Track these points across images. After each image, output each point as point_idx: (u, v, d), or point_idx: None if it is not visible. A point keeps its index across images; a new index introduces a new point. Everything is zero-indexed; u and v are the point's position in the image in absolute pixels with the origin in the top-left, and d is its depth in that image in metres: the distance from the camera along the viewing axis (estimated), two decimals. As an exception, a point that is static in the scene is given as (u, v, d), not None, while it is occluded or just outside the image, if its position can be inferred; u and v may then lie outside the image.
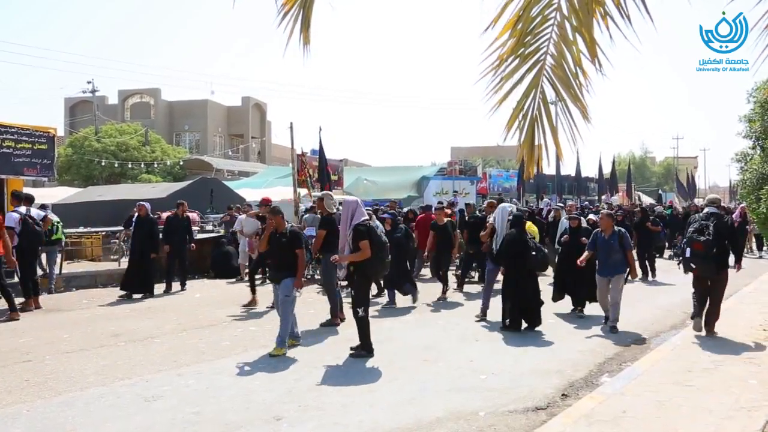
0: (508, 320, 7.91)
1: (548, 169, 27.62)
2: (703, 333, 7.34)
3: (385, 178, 27.77)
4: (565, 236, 9.39)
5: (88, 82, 41.98)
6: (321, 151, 15.89)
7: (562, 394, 5.39)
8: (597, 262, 8.10)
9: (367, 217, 6.72)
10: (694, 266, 7.18)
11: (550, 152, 2.89)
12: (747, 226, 17.99)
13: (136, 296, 10.82)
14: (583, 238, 8.76)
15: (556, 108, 2.91)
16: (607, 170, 34.21)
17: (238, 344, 7.11)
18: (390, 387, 5.58)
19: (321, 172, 15.82)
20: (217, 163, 38.82)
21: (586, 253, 8.20)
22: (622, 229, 8.19)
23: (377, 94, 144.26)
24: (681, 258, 7.67)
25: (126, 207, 15.33)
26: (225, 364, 6.29)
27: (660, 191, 43.54)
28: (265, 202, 9.95)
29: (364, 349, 6.57)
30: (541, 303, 8.07)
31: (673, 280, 12.56)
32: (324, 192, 9.84)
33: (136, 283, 10.93)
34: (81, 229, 15.14)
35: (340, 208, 7.11)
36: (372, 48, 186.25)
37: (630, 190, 34.16)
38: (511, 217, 8.25)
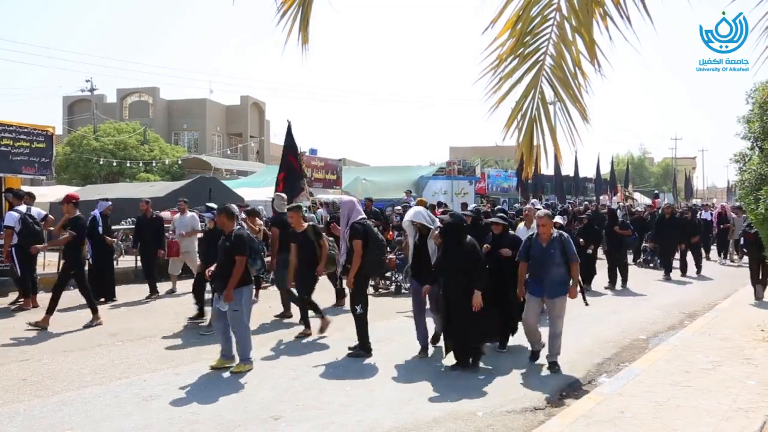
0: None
1: (547, 170, 27.53)
2: (764, 298, 10.30)
3: (384, 178, 27.76)
4: (485, 246, 6.82)
5: (87, 81, 41.72)
6: (293, 146, 13.05)
7: (561, 395, 5.41)
8: (528, 275, 6.25)
9: (364, 216, 6.82)
10: (746, 250, 10.67)
11: (549, 153, 2.88)
12: (723, 225, 16.96)
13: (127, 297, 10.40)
14: (505, 250, 6.71)
15: (554, 108, 2.91)
16: (605, 170, 34.20)
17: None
18: (388, 387, 5.58)
19: (291, 170, 12.75)
20: (215, 162, 38.75)
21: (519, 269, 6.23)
22: (564, 234, 6.35)
23: (377, 94, 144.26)
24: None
25: (125, 206, 15.29)
26: (223, 364, 6.28)
27: (657, 192, 43.59)
28: (70, 199, 8.68)
29: (362, 348, 6.57)
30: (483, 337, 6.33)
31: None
32: (276, 194, 9.79)
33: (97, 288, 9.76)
34: (79, 228, 15.07)
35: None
36: (371, 48, 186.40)
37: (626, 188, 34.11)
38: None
